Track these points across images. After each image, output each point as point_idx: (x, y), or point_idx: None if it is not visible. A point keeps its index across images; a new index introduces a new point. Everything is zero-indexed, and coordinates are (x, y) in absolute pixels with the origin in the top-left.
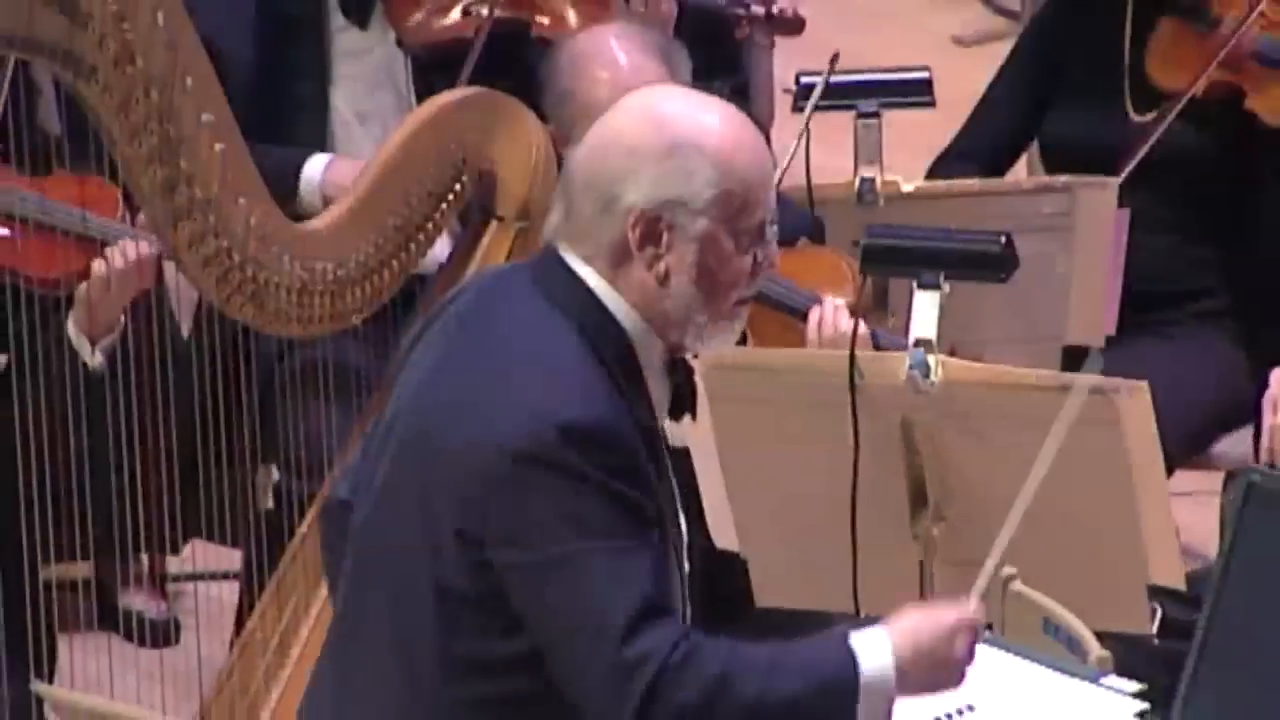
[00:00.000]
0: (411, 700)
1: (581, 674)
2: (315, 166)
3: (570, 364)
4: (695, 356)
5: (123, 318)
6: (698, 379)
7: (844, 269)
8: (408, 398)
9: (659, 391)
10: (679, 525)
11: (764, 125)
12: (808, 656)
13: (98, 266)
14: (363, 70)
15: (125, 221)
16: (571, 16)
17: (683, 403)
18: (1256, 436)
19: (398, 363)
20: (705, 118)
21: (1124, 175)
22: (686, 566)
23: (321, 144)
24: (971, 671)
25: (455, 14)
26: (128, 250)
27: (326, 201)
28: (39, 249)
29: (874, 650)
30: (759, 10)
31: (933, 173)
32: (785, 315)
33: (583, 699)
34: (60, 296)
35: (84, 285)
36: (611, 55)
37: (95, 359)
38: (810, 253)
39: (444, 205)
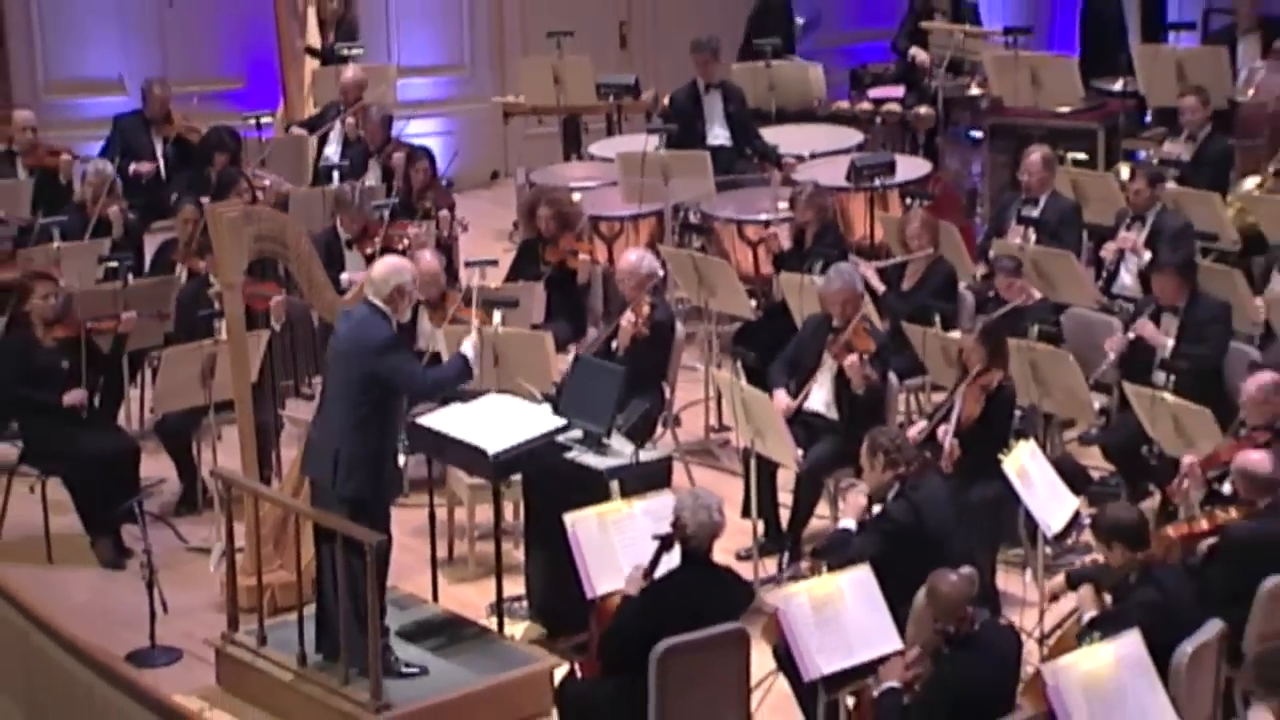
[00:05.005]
0: (349, 409)
1: (413, 388)
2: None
3: (381, 322)
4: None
5: (284, 316)
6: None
7: (483, 314)
8: (341, 349)
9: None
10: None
11: (457, 274)
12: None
13: (272, 304)
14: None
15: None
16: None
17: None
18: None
19: (331, 347)
20: (407, 265)
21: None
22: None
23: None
24: (504, 406)
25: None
26: (279, 299)
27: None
28: (259, 300)
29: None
30: (443, 236)
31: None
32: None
33: (414, 394)
34: (267, 314)
35: (272, 309)
36: (425, 257)
37: (275, 329)
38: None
39: None
